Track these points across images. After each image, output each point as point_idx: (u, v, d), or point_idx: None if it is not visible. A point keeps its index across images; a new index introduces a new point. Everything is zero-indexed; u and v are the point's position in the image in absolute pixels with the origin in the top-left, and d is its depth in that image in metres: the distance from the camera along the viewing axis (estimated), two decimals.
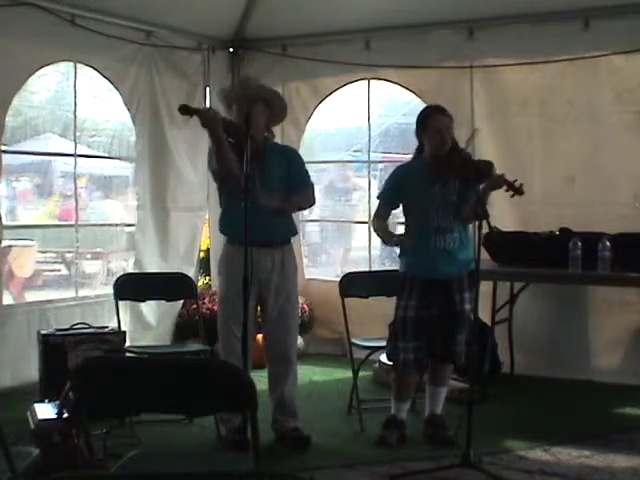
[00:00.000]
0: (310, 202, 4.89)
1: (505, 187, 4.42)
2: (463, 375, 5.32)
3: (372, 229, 5.02)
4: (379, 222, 4.77)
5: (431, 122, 4.57)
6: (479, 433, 4.19)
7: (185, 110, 4.39)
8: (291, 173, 4.69)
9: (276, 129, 4.91)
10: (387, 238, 4.77)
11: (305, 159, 4.91)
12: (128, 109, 6.45)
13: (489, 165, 4.55)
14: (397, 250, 4.82)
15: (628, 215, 5.82)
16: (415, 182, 4.64)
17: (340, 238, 9.75)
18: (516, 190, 4.41)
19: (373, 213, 4.84)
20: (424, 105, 5.15)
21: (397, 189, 4.71)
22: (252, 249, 4.11)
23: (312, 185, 4.82)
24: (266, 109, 4.64)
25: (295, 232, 4.86)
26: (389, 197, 4.75)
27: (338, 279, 5.36)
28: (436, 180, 4.56)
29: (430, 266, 4.55)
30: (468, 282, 4.58)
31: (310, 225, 8.24)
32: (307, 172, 4.80)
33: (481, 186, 4.44)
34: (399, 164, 5.08)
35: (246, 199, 4.00)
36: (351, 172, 9.72)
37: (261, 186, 4.44)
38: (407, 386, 4.76)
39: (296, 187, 4.72)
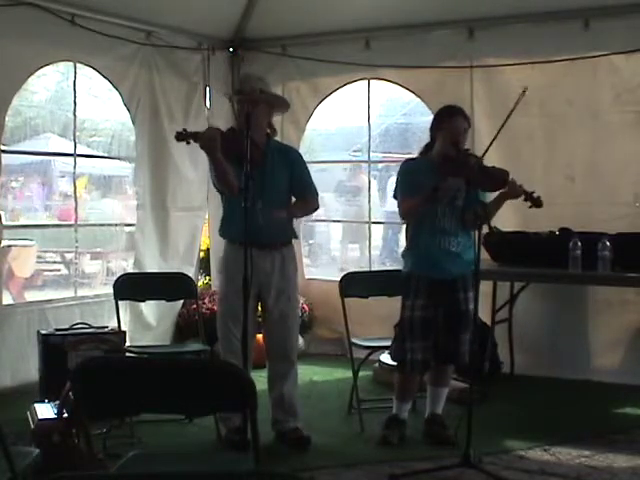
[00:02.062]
0: (314, 209, 4.87)
1: (523, 197, 4.40)
2: (463, 375, 5.32)
3: (403, 219, 4.83)
4: (405, 205, 4.62)
5: (450, 121, 4.55)
6: (479, 433, 4.19)
7: (181, 136, 4.29)
8: (294, 179, 4.69)
9: (276, 129, 4.90)
10: (424, 198, 4.50)
11: (305, 159, 4.90)
12: (128, 109, 6.44)
13: (505, 173, 4.51)
14: (399, 250, 4.79)
15: (628, 215, 5.81)
16: (424, 181, 4.56)
17: (343, 237, 9.78)
18: (534, 202, 4.39)
19: (401, 209, 4.66)
20: (422, 104, 5.12)
21: (412, 184, 4.59)
22: (252, 250, 4.10)
23: (316, 191, 4.81)
24: (268, 109, 4.65)
25: (296, 235, 4.85)
26: (409, 190, 4.58)
27: (338, 279, 5.35)
28: (444, 181, 4.50)
29: (436, 266, 4.54)
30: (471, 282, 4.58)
31: (311, 224, 8.25)
32: (310, 176, 4.80)
33: (495, 194, 4.44)
34: (407, 159, 4.96)
35: (246, 199, 4.00)
36: (354, 171, 9.76)
37: (262, 189, 4.43)
38: (410, 387, 4.76)
39: (301, 195, 4.73)
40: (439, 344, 4.60)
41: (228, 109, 6.27)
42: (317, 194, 4.82)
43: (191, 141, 4.29)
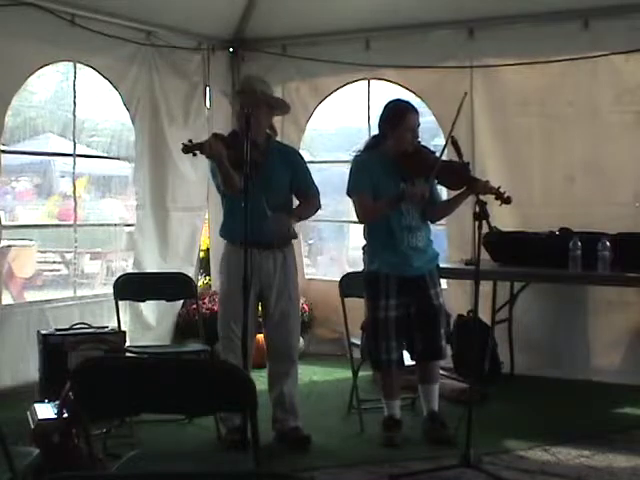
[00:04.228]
0: (316, 209, 4.86)
1: (494, 196, 4.41)
2: (463, 375, 5.32)
3: (362, 221, 4.81)
4: (365, 208, 4.62)
5: (407, 120, 4.54)
6: (479, 433, 4.18)
7: (187, 149, 4.29)
8: (295, 180, 4.70)
9: (276, 130, 4.90)
10: (388, 205, 4.53)
11: (305, 159, 4.90)
12: (128, 109, 6.45)
13: (466, 169, 4.51)
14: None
15: (628, 215, 5.81)
16: (383, 179, 4.58)
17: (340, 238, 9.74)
18: (503, 199, 4.40)
19: (359, 210, 4.65)
20: (422, 104, 5.11)
21: (370, 179, 4.58)
22: (253, 250, 4.11)
23: (317, 190, 4.81)
24: (268, 110, 4.65)
25: (295, 235, 4.85)
26: (367, 186, 4.58)
27: (338, 279, 5.36)
28: (404, 179, 4.49)
29: (404, 264, 4.57)
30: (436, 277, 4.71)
31: (312, 224, 8.23)
32: (311, 176, 4.81)
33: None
34: (358, 154, 4.85)
35: (246, 199, 4.00)
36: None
37: (264, 191, 4.43)
38: (394, 383, 4.76)
39: (303, 195, 4.73)
40: (417, 343, 4.63)
41: (228, 109, 6.29)
42: (319, 193, 4.82)
43: (197, 152, 4.30)
